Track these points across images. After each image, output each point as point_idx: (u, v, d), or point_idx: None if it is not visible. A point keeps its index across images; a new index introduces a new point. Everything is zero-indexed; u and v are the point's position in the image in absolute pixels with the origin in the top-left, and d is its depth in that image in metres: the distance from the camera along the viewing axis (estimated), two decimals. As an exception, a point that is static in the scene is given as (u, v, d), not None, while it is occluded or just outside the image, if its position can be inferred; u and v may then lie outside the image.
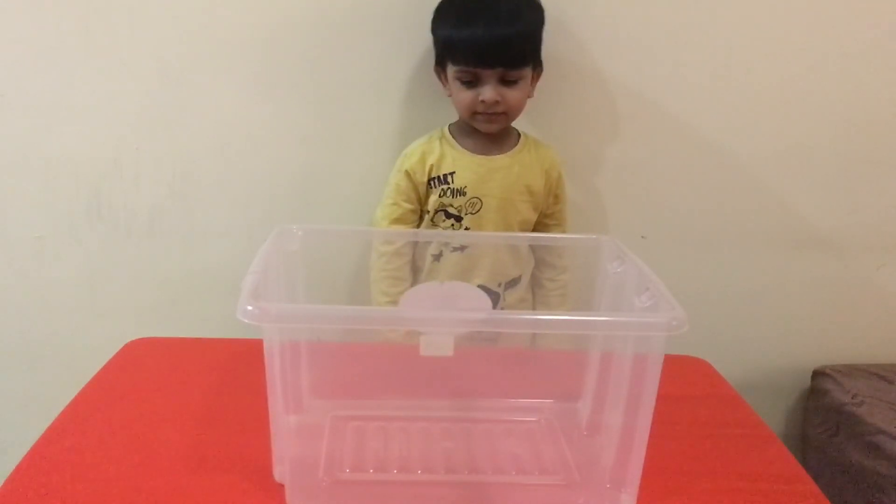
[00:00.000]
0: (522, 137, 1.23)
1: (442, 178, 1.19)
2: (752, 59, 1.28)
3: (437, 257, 1.20)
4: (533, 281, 1.27)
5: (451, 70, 1.14)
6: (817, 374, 1.46)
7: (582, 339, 0.87)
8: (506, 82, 1.12)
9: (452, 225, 1.21)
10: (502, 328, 0.68)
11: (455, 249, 1.18)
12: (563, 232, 1.28)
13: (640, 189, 1.36)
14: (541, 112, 1.27)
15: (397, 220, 1.22)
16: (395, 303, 1.09)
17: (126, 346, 1.03)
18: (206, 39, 1.23)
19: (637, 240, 1.37)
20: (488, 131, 1.18)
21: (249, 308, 0.61)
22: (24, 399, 1.42)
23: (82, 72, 1.24)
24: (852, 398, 1.33)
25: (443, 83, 1.19)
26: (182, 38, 1.23)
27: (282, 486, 0.72)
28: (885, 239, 1.42)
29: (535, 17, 1.14)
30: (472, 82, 1.12)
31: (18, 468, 0.74)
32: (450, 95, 1.18)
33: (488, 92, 1.11)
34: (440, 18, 1.15)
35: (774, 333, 1.48)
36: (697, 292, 1.38)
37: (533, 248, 1.24)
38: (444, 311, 0.66)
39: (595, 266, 0.84)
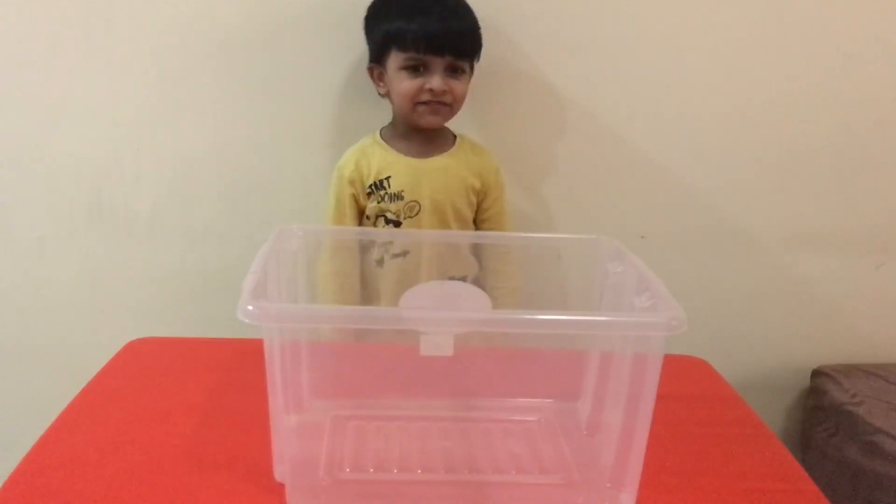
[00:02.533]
0: (458, 139, 1.23)
1: (379, 183, 1.18)
2: (753, 58, 1.28)
3: (380, 262, 1.17)
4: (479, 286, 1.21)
5: (395, 60, 1.12)
6: (817, 374, 1.46)
7: (582, 339, 0.87)
8: (451, 74, 1.12)
9: None
10: (502, 328, 0.67)
11: (396, 256, 1.15)
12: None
13: (640, 189, 1.36)
14: (541, 112, 1.27)
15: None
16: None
17: (126, 346, 1.03)
18: (206, 39, 1.23)
19: (637, 240, 1.37)
20: (430, 125, 1.16)
21: (249, 308, 0.61)
22: (24, 399, 1.42)
23: (82, 72, 1.24)
24: (851, 398, 1.34)
25: (376, 83, 1.18)
26: (182, 38, 1.23)
27: (282, 485, 0.72)
28: (885, 239, 1.42)
29: (474, 17, 1.15)
30: (418, 70, 1.11)
31: (18, 468, 0.74)
32: (384, 94, 1.18)
33: (436, 81, 1.11)
34: (382, 12, 1.15)
35: (774, 333, 1.48)
36: (697, 292, 1.39)
37: (479, 254, 1.19)
38: (444, 311, 0.66)
39: (595, 266, 0.84)
